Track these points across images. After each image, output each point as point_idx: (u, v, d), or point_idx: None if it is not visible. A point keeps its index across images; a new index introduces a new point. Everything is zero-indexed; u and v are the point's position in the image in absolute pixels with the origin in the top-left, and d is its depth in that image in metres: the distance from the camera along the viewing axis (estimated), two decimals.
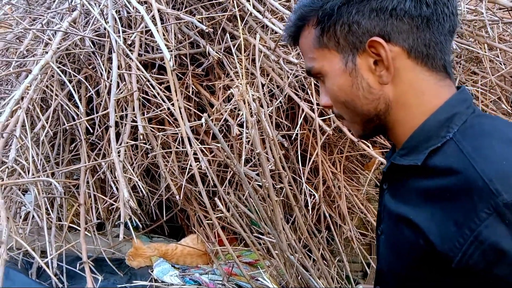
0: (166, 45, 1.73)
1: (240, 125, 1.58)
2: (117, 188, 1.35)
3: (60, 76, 1.42)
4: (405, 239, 0.62)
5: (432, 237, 0.56)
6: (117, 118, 1.46)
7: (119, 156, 1.35)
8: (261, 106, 1.43)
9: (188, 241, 1.70)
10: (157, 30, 1.21)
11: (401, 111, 0.65)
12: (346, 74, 0.65)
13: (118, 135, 1.62)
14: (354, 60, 0.64)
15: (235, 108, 1.65)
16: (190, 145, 1.39)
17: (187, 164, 1.66)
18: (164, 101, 1.45)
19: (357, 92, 0.65)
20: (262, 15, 1.58)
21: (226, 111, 1.64)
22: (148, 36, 1.74)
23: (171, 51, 1.67)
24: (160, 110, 1.56)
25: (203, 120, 0.94)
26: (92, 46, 1.66)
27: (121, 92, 1.50)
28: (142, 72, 1.31)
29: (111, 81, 1.36)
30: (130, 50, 1.61)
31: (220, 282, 1.50)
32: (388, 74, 0.63)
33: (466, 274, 0.54)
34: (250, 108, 1.34)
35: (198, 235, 1.71)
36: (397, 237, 0.65)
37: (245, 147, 1.57)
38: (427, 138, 0.62)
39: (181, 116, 1.36)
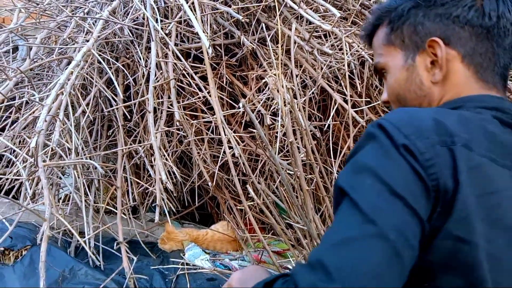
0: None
1: (272, 115, 1.60)
2: (154, 172, 1.39)
3: (100, 63, 1.47)
4: None
5: None
6: (155, 104, 1.50)
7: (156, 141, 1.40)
8: (295, 96, 1.44)
9: (218, 227, 1.73)
10: (196, 19, 1.23)
11: None
12: (404, 69, 0.71)
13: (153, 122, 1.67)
14: (414, 57, 0.70)
15: (267, 98, 1.67)
16: (224, 133, 1.42)
17: (219, 152, 1.69)
18: (200, 90, 1.48)
19: (410, 86, 0.71)
20: (298, 6, 1.58)
21: (258, 101, 1.66)
22: (184, 26, 1.77)
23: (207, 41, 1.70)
24: (195, 98, 1.59)
25: (241, 106, 0.96)
26: (130, 35, 1.70)
27: (158, 81, 1.54)
28: (181, 61, 1.34)
29: (149, 68, 1.40)
30: (166, 40, 1.65)
31: None
32: (440, 73, 0.67)
33: None
34: (284, 98, 1.35)
35: (229, 222, 1.74)
36: None
37: (276, 136, 1.59)
38: None
39: (216, 105, 1.39)
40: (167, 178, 1.22)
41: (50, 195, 1.26)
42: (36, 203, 1.58)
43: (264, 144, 1.26)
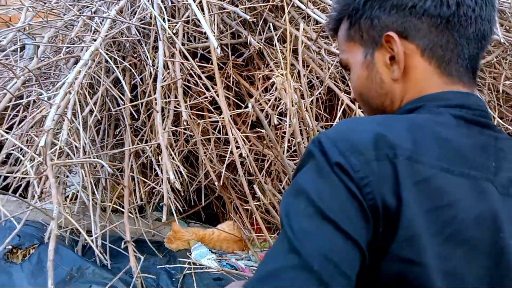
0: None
1: (279, 115, 1.60)
2: (161, 171, 1.39)
3: (108, 62, 1.47)
4: None
5: None
6: (162, 104, 1.50)
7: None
8: (302, 97, 1.43)
9: (224, 227, 1.74)
10: (204, 19, 1.23)
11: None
12: (364, 66, 0.67)
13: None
14: (372, 54, 0.65)
15: (274, 98, 1.67)
16: (231, 133, 1.42)
17: (225, 151, 1.69)
18: (207, 89, 1.48)
19: (370, 84, 0.66)
20: (305, 5, 1.58)
21: (265, 101, 1.66)
22: (191, 25, 1.77)
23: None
24: (202, 98, 1.59)
25: (250, 106, 0.96)
26: (138, 34, 1.71)
27: (165, 80, 1.55)
28: (188, 61, 1.34)
29: (157, 67, 1.40)
30: (174, 39, 1.65)
31: (256, 268, 1.53)
32: (398, 70, 0.63)
33: None
34: (291, 98, 1.35)
35: (235, 222, 1.74)
36: None
37: (283, 136, 1.59)
38: None
39: (224, 105, 1.39)
40: (175, 178, 1.22)
41: (58, 194, 1.26)
42: (43, 201, 1.59)
43: (272, 144, 1.26)
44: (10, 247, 1.33)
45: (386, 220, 0.50)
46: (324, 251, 0.48)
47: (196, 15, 1.61)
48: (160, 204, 1.61)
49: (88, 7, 1.90)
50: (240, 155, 1.41)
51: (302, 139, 1.49)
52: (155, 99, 1.38)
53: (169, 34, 1.49)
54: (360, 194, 0.50)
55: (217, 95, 1.40)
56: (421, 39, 0.62)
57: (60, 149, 1.25)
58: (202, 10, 1.43)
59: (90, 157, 1.35)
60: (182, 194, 1.57)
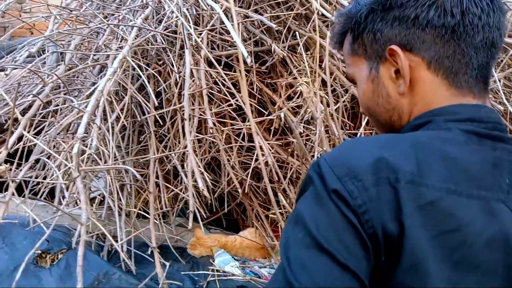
0: (234, 43, 1.77)
1: (301, 123, 1.61)
2: (186, 178, 1.40)
3: (135, 69, 1.49)
4: None
5: None
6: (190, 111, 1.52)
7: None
8: (327, 105, 1.44)
9: (246, 234, 1.74)
10: (233, 28, 1.25)
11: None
12: (369, 80, 0.65)
13: (183, 128, 1.69)
14: (377, 68, 0.64)
15: (297, 106, 1.67)
16: (256, 141, 1.42)
17: (247, 159, 1.70)
18: (232, 97, 1.49)
19: (377, 99, 0.65)
20: (330, 13, 1.59)
21: (288, 109, 1.67)
22: (214, 33, 1.79)
23: (237, 49, 1.72)
24: (227, 105, 1.60)
25: (282, 114, 0.96)
26: (163, 42, 1.73)
27: (190, 88, 1.56)
28: (215, 68, 1.36)
29: (184, 75, 1.41)
30: (198, 47, 1.67)
31: None
32: (404, 83, 0.61)
33: None
34: (316, 106, 1.35)
35: (257, 229, 1.74)
36: None
37: (306, 144, 1.59)
38: None
39: (249, 112, 1.40)
40: (203, 185, 1.23)
41: (87, 200, 1.28)
42: (67, 206, 1.61)
43: (301, 152, 1.26)
44: (39, 251, 1.34)
45: (388, 248, 0.49)
46: (319, 283, 0.47)
47: (221, 24, 1.63)
48: (187, 211, 1.62)
49: (113, 15, 1.94)
50: (266, 163, 1.41)
51: (330, 147, 1.49)
52: (182, 107, 1.39)
53: (195, 41, 1.51)
54: (358, 223, 0.49)
55: (243, 103, 1.41)
56: (426, 51, 0.60)
57: (90, 155, 1.27)
58: (233, 19, 1.44)
59: (118, 163, 1.37)
60: (209, 201, 1.58)
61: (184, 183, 1.63)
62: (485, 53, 0.60)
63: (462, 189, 0.51)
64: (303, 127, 1.55)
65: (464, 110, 0.58)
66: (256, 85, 1.81)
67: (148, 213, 1.55)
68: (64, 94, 1.66)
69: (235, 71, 1.74)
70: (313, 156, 1.60)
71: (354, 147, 0.56)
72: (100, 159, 1.50)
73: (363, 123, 1.60)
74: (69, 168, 1.27)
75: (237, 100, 1.59)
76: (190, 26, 1.57)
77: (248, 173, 1.59)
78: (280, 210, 1.59)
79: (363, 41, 0.65)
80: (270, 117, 1.61)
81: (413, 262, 0.48)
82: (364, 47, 0.65)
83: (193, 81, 1.61)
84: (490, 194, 0.53)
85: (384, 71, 0.63)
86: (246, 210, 1.98)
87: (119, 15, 1.80)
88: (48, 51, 2.12)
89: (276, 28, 1.52)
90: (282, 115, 1.07)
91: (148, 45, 1.74)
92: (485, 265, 0.51)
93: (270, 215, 1.79)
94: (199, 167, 1.48)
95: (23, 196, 1.52)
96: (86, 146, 1.38)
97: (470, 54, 0.59)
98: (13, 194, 1.37)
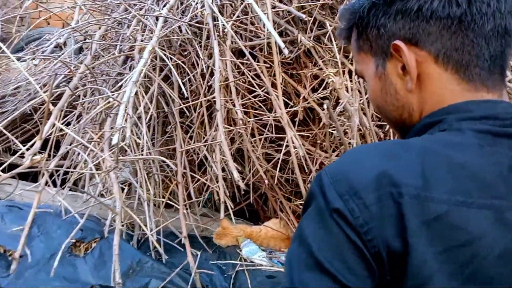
0: (258, 33, 1.77)
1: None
2: (217, 168, 1.41)
3: (164, 60, 1.50)
4: None
5: None
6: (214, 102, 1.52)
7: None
8: (359, 95, 1.44)
9: (271, 225, 1.75)
10: (267, 18, 1.24)
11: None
12: (377, 78, 0.62)
13: (209, 119, 1.70)
14: (384, 64, 0.61)
15: (323, 97, 1.67)
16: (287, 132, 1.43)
17: (273, 150, 1.70)
18: (259, 87, 1.49)
19: (385, 97, 0.62)
20: None
21: (314, 100, 1.67)
22: (239, 23, 1.79)
23: (263, 39, 1.72)
24: (253, 96, 1.61)
25: (325, 106, 0.97)
26: (189, 33, 1.73)
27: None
28: (243, 60, 1.36)
29: (213, 66, 1.42)
30: (224, 38, 1.67)
31: None
32: (411, 80, 0.58)
33: None
34: (347, 98, 1.35)
35: (281, 219, 1.76)
36: None
37: (333, 136, 1.59)
38: None
39: (281, 103, 1.40)
40: (238, 176, 1.24)
41: (119, 190, 1.29)
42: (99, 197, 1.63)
43: (330, 144, 1.27)
44: (74, 240, 1.37)
45: (393, 266, 0.47)
46: None
47: (245, 14, 1.63)
48: (209, 202, 1.63)
49: (136, 5, 1.93)
50: (298, 155, 1.42)
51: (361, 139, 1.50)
52: (212, 98, 1.40)
53: (223, 32, 1.50)
54: (361, 243, 0.47)
55: (277, 96, 1.41)
56: (433, 44, 0.56)
57: (126, 145, 1.28)
58: (268, 9, 1.43)
59: (150, 154, 1.38)
60: (236, 192, 1.59)
61: (209, 173, 1.65)
62: (498, 42, 0.56)
63: (472, 199, 0.48)
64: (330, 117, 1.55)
65: (478, 107, 0.55)
66: (282, 76, 1.81)
67: (173, 203, 1.56)
68: (92, 84, 1.66)
69: (258, 61, 1.74)
70: (335, 147, 1.61)
71: (356, 159, 0.53)
72: (132, 150, 1.52)
73: None
74: (103, 158, 1.29)
75: (264, 91, 1.59)
76: (218, 17, 1.57)
77: (276, 165, 1.59)
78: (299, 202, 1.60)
79: (368, 37, 0.62)
80: (296, 108, 1.61)
81: (420, 281, 0.46)
82: (369, 43, 0.62)
83: (220, 72, 1.61)
84: (504, 203, 0.49)
85: (391, 68, 0.60)
86: (267, 201, 1.99)
87: (144, 5, 1.79)
88: (68, 42, 2.13)
89: (306, 19, 1.51)
90: (325, 106, 1.07)
91: (173, 35, 1.75)
92: (498, 279, 0.48)
93: (293, 206, 1.81)
94: (229, 158, 1.49)
95: (54, 186, 1.54)
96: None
97: (481, 45, 0.55)
98: (46, 184, 1.39)
